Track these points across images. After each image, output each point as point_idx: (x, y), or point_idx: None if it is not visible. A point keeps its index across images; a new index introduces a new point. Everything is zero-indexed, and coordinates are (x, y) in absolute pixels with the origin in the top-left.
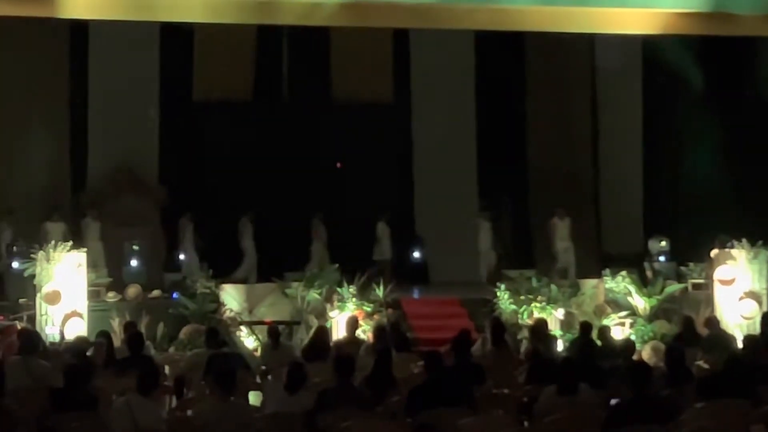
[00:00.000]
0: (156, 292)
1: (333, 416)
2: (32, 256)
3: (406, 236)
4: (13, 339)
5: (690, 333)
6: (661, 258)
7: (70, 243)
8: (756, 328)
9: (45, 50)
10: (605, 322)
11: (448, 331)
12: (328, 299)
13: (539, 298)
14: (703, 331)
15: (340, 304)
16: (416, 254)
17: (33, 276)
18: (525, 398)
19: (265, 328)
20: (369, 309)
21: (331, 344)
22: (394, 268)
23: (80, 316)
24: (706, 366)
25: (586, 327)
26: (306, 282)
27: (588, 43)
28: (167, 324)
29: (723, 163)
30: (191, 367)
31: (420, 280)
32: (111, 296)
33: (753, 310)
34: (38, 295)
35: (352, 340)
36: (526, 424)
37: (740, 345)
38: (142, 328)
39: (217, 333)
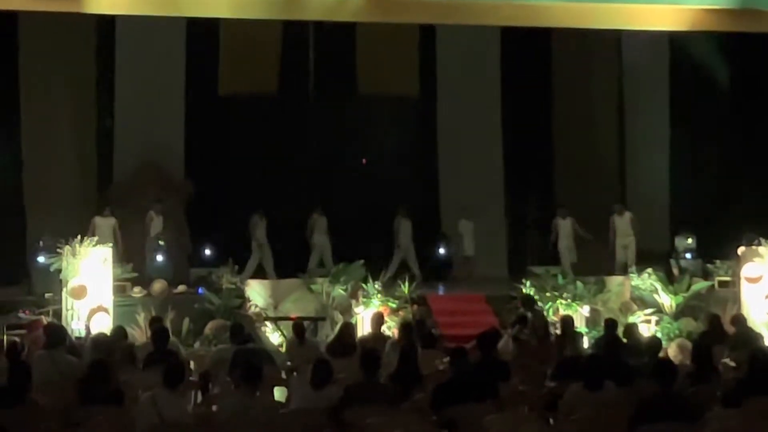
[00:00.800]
0: (181, 288)
1: (358, 412)
2: (58, 250)
3: (431, 232)
4: (39, 333)
5: (716, 330)
6: (688, 255)
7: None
8: None
9: (72, 46)
10: (631, 319)
11: (474, 327)
12: (354, 295)
13: (565, 294)
14: (730, 329)
15: (365, 300)
16: (441, 250)
17: (59, 271)
18: (551, 395)
19: (290, 323)
20: (394, 305)
21: (357, 340)
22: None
23: (106, 311)
24: (732, 364)
25: (611, 324)
26: (331, 278)
27: (614, 39)
28: (193, 319)
29: (750, 160)
30: (217, 363)
31: (445, 276)
32: (137, 291)
33: None
34: (64, 289)
35: (377, 336)
36: (551, 420)
37: (767, 343)
38: (168, 324)
39: (242, 328)
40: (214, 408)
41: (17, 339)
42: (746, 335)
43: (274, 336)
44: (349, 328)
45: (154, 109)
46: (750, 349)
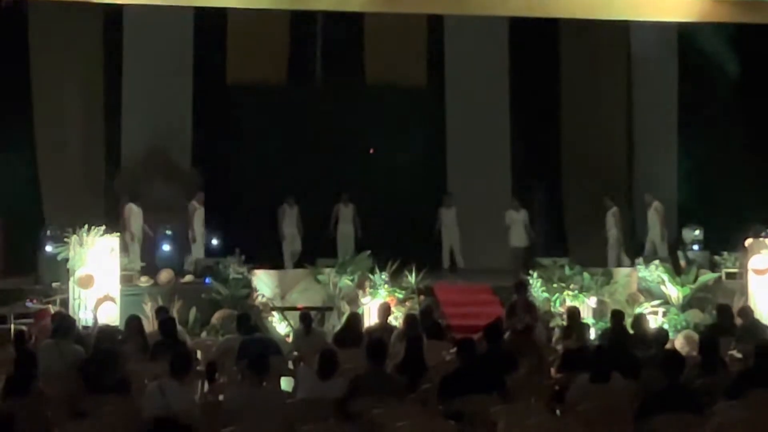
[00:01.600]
0: (188, 277)
1: (365, 403)
2: (65, 240)
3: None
4: (46, 322)
5: (727, 321)
6: (695, 247)
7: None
8: None
9: (79, 34)
10: (638, 310)
11: (480, 318)
12: (361, 285)
13: (572, 286)
14: (737, 320)
15: (372, 290)
16: None
17: (66, 260)
18: (557, 386)
19: (296, 313)
20: (401, 295)
21: (364, 331)
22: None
23: (113, 300)
24: (739, 356)
25: (617, 315)
26: (338, 268)
27: (623, 30)
28: (200, 309)
29: (759, 151)
30: (223, 352)
31: (451, 266)
32: (144, 281)
33: None
34: (71, 279)
35: (384, 327)
36: (558, 412)
37: None
38: (175, 313)
39: (249, 318)
40: (220, 398)
41: (24, 328)
42: (753, 327)
43: (281, 326)
44: (356, 319)
45: (162, 98)
46: (756, 341)
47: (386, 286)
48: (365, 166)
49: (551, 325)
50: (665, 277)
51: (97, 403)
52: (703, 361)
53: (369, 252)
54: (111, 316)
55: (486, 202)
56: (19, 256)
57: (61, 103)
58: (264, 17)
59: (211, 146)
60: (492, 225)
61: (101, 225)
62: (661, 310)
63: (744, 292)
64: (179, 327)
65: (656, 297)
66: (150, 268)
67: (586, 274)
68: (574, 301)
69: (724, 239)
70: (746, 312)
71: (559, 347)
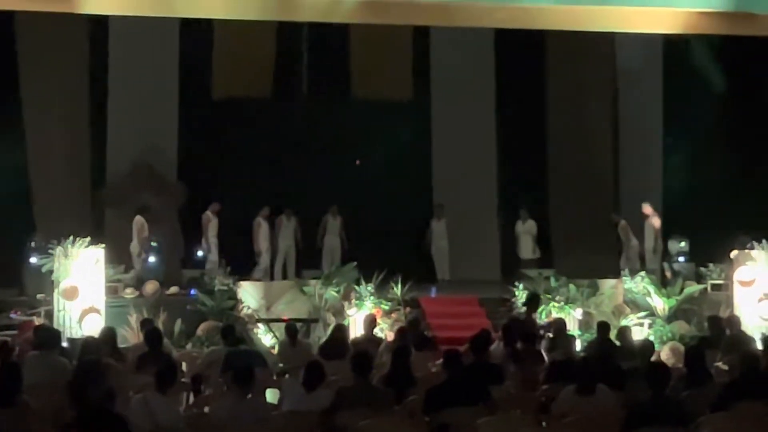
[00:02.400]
0: (174, 289)
1: (351, 415)
2: (50, 251)
3: (425, 234)
4: (30, 334)
5: (717, 334)
6: (681, 258)
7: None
8: None
9: (65, 46)
10: (624, 322)
11: (466, 330)
12: (346, 297)
13: (557, 297)
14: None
15: (357, 302)
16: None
17: (51, 271)
18: (543, 398)
19: (282, 325)
20: (387, 307)
21: (349, 342)
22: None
23: (98, 312)
24: (725, 367)
25: (603, 327)
26: (324, 280)
27: (609, 42)
28: (185, 321)
29: (743, 163)
30: (209, 364)
31: (437, 278)
32: (129, 292)
33: None
34: (56, 290)
35: (370, 339)
36: (544, 424)
37: (759, 346)
38: (160, 325)
39: (234, 329)
40: (206, 410)
41: (8, 340)
42: (739, 338)
43: (266, 338)
44: (341, 330)
45: (148, 111)
46: (742, 352)
47: (372, 297)
48: (351, 178)
49: None
50: (651, 288)
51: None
52: (689, 373)
53: (355, 263)
54: (96, 327)
55: (472, 214)
56: (4, 267)
57: (47, 115)
58: (250, 31)
59: (197, 159)
60: (478, 237)
61: (87, 236)
62: (646, 321)
63: (729, 303)
64: (164, 339)
65: (642, 308)
66: (135, 279)
67: (572, 286)
68: (560, 312)
69: (710, 251)
70: (733, 322)
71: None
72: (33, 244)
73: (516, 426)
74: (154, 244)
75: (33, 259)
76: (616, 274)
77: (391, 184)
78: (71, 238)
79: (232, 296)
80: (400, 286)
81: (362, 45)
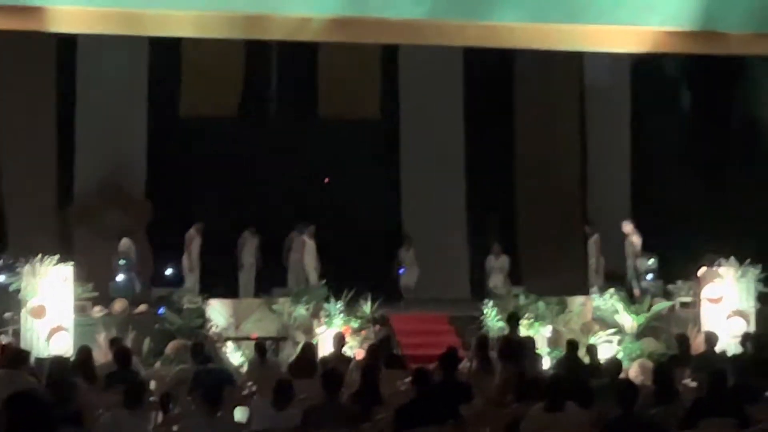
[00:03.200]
0: (142, 307)
1: None
2: (18, 270)
3: (394, 252)
4: None
5: (685, 352)
6: (649, 276)
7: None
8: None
9: (32, 64)
10: (592, 339)
11: (435, 348)
12: (315, 315)
13: (527, 315)
14: (700, 347)
15: (327, 320)
16: (403, 271)
17: (19, 290)
18: (511, 416)
19: (251, 344)
20: (356, 325)
21: (318, 360)
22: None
23: (66, 330)
24: (693, 384)
25: (572, 345)
26: (293, 298)
27: (577, 60)
28: (153, 339)
29: (711, 181)
30: (177, 383)
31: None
32: (97, 311)
33: (741, 328)
34: (24, 309)
35: (339, 357)
36: None
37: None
38: (129, 343)
39: (203, 348)
40: (174, 428)
41: None
42: (710, 356)
43: (235, 356)
44: (310, 349)
45: (116, 129)
46: (711, 370)
47: (341, 315)
48: (319, 197)
49: None
50: (619, 306)
51: None
52: (657, 390)
53: (324, 281)
54: (64, 346)
55: (441, 232)
56: None
57: (15, 133)
58: (218, 50)
59: (165, 177)
60: (446, 255)
61: (55, 255)
62: (615, 338)
63: (697, 321)
64: (133, 358)
65: (611, 326)
66: (103, 297)
67: (540, 303)
68: (529, 330)
69: (678, 268)
70: (710, 339)
71: None
72: (1, 262)
73: None
74: (122, 262)
75: (0, 278)
76: (585, 291)
77: (359, 202)
78: (39, 256)
79: (201, 315)
80: (369, 303)
81: (331, 64)
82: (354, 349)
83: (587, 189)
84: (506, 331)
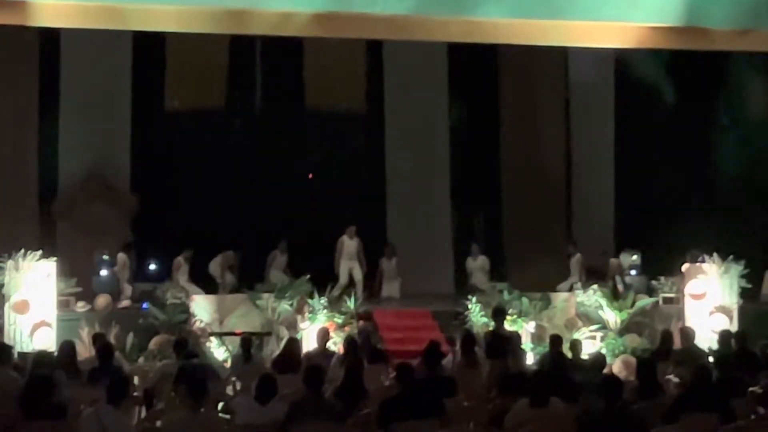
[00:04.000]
0: (126, 302)
1: (303, 428)
2: (1, 265)
3: (378, 247)
4: None
5: (668, 347)
6: (633, 272)
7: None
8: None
9: (15, 58)
10: (576, 335)
11: (419, 343)
12: (299, 310)
13: (510, 311)
14: (678, 342)
15: (311, 315)
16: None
17: (2, 285)
18: (496, 411)
19: (235, 339)
20: (340, 321)
21: (302, 356)
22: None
23: (49, 326)
24: (676, 380)
25: (555, 340)
26: (277, 293)
27: (561, 56)
28: (137, 334)
29: (695, 177)
30: (161, 378)
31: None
32: (80, 306)
33: (723, 324)
34: (6, 304)
35: (323, 352)
36: None
37: (710, 359)
38: (112, 339)
39: (187, 343)
40: (158, 424)
41: None
42: (691, 351)
43: (219, 351)
44: (294, 344)
45: (100, 123)
46: (694, 365)
47: (325, 311)
48: (304, 190)
49: None
50: (603, 301)
51: (34, 430)
52: (641, 386)
53: (308, 276)
54: (47, 341)
55: (425, 226)
56: None
57: None
58: (203, 43)
59: (149, 170)
60: (431, 249)
61: (38, 250)
62: (599, 334)
63: (681, 316)
64: (116, 353)
65: (594, 322)
66: (86, 293)
67: (524, 299)
68: (513, 326)
69: (662, 264)
70: (687, 334)
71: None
72: None
73: None
74: (105, 257)
75: None
76: (568, 288)
77: (344, 196)
78: (22, 251)
79: (185, 310)
80: (353, 299)
81: (316, 57)
82: (338, 345)
83: (572, 183)
84: (491, 327)
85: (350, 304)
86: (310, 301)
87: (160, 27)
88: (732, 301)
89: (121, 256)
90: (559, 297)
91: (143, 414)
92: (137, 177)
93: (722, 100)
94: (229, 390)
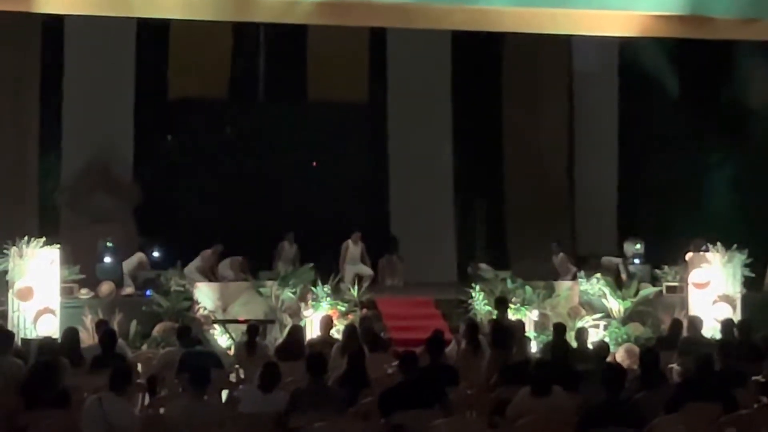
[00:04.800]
0: (129, 290)
1: (306, 416)
2: (5, 252)
3: (382, 236)
4: None
5: (676, 335)
6: (636, 260)
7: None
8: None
9: (18, 45)
10: (579, 324)
11: (422, 331)
12: (303, 298)
13: (514, 299)
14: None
15: (314, 303)
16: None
17: (6, 272)
18: (498, 400)
19: (238, 326)
20: (343, 308)
21: (306, 344)
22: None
23: (53, 312)
24: (679, 369)
25: (559, 329)
26: (280, 281)
27: (565, 44)
28: (140, 321)
29: (698, 166)
30: (164, 365)
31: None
32: (84, 293)
33: (726, 313)
34: (10, 291)
35: (326, 340)
36: (499, 425)
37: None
38: (115, 326)
39: (189, 330)
40: (161, 411)
41: None
42: (695, 340)
43: (222, 339)
44: (298, 332)
45: (103, 111)
46: (697, 354)
47: (328, 298)
48: (308, 179)
49: None
50: (606, 290)
51: (37, 417)
52: (644, 375)
53: (311, 264)
54: (51, 328)
55: (428, 215)
56: None
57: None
58: (206, 31)
59: (153, 159)
60: (434, 238)
61: (41, 237)
62: (602, 323)
63: (684, 305)
64: (120, 340)
65: (598, 310)
66: (90, 280)
67: (528, 288)
68: (516, 314)
69: (665, 253)
70: (695, 323)
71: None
72: None
73: (471, 428)
74: (109, 245)
75: None
76: (572, 276)
77: (347, 185)
78: (26, 238)
79: (188, 297)
80: (356, 287)
81: (319, 46)
82: (341, 333)
83: (575, 171)
84: (495, 315)
85: (353, 292)
86: (313, 289)
87: (164, 14)
88: (735, 290)
89: (141, 256)
90: (563, 285)
91: (146, 401)
92: (140, 166)
93: (726, 88)
94: (233, 378)
